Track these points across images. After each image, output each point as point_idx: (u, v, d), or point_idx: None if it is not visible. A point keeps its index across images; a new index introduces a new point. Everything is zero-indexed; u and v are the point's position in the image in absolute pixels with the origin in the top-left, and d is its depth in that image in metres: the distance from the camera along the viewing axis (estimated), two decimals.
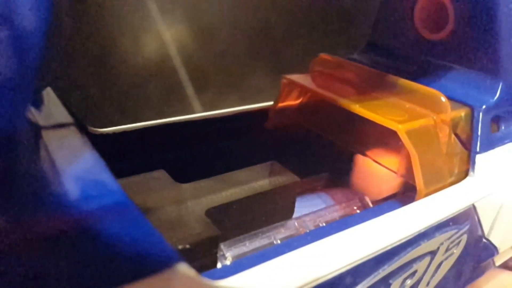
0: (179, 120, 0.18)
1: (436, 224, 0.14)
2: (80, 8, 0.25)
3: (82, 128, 0.12)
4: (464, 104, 0.16)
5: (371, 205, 0.16)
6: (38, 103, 0.11)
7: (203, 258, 0.12)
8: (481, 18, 0.17)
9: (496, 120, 0.17)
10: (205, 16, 0.30)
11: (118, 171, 0.09)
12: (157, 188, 0.13)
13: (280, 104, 0.20)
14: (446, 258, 0.15)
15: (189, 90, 0.30)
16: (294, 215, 0.15)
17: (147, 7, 0.28)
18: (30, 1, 0.07)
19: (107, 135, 0.16)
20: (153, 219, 0.12)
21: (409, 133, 0.14)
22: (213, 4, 0.30)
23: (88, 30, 0.25)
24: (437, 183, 0.15)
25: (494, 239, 0.17)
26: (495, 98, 0.17)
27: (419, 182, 0.14)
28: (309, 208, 0.15)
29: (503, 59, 0.17)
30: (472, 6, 0.17)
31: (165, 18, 0.28)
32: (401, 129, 0.14)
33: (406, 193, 0.15)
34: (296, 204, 0.15)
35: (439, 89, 0.16)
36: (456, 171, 0.16)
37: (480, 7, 0.17)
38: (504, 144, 0.17)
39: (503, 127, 0.17)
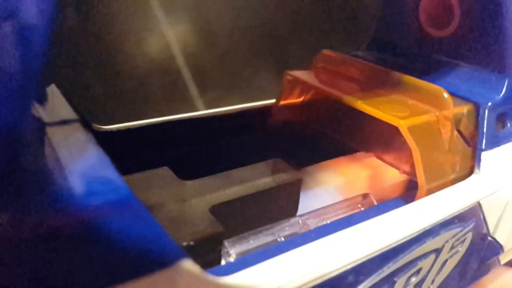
0: (183, 117, 0.18)
1: (441, 221, 0.14)
2: (85, 7, 0.25)
3: (86, 125, 0.12)
4: (470, 101, 0.16)
5: (375, 202, 0.16)
6: (42, 99, 0.12)
7: (207, 255, 0.12)
8: (486, 14, 0.16)
9: (502, 117, 0.17)
10: (208, 15, 0.30)
11: (122, 168, 0.09)
12: (161, 185, 0.13)
13: (283, 101, 0.20)
14: (451, 256, 0.15)
15: (192, 88, 0.30)
16: (300, 209, 0.15)
17: (151, 6, 0.28)
18: None
19: (111, 132, 0.16)
20: (157, 216, 0.12)
21: (410, 129, 0.14)
22: (216, 3, 0.30)
23: (93, 28, 0.25)
24: (439, 179, 0.15)
25: (500, 237, 0.17)
26: (501, 95, 0.16)
27: (421, 178, 0.14)
28: (314, 202, 0.15)
29: (509, 55, 0.16)
30: (478, 2, 0.17)
31: (169, 17, 0.28)
32: (402, 125, 0.14)
33: (411, 191, 0.15)
34: (301, 198, 0.15)
35: (444, 86, 0.16)
36: (458, 167, 0.15)
37: (486, 3, 0.16)
38: (510, 141, 0.17)
39: (509, 125, 0.17)
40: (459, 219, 0.14)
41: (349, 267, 0.11)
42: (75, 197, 0.08)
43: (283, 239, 0.13)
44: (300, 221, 0.14)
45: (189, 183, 0.14)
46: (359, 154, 0.18)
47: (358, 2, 0.34)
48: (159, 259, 0.08)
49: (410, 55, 0.19)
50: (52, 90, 0.13)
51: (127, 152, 0.16)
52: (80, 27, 0.25)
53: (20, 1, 0.07)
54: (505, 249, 0.17)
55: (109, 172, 0.09)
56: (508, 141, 0.17)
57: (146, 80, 0.28)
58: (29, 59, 0.07)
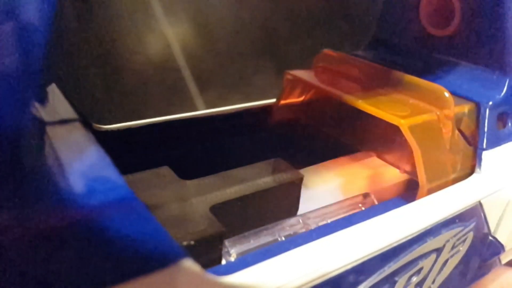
0: (183, 117, 0.18)
1: (442, 221, 0.14)
2: (85, 6, 0.25)
3: (86, 124, 0.12)
4: (471, 100, 0.16)
5: (376, 202, 0.16)
6: (43, 99, 0.12)
7: (208, 255, 0.11)
8: (487, 13, 0.16)
9: (503, 116, 0.17)
10: (209, 14, 0.30)
11: (123, 168, 0.09)
12: (161, 185, 0.13)
13: (283, 101, 0.20)
14: (452, 256, 0.15)
15: (193, 88, 0.30)
16: (300, 208, 0.15)
17: (151, 6, 0.28)
18: None
19: (111, 132, 0.16)
20: (158, 216, 0.12)
21: (411, 129, 0.14)
22: (216, 3, 0.30)
23: (93, 28, 0.25)
24: (440, 179, 0.15)
25: (501, 236, 0.17)
26: (502, 94, 0.16)
27: (422, 177, 0.14)
28: (315, 201, 0.15)
29: (510, 55, 0.16)
30: (479, 1, 0.17)
31: (169, 17, 0.28)
32: (403, 124, 0.14)
33: (412, 191, 0.15)
34: (301, 198, 0.15)
35: (445, 85, 0.16)
36: (459, 167, 0.15)
37: (486, 2, 0.16)
38: (511, 141, 0.17)
39: (509, 124, 0.17)
40: (460, 218, 0.14)
41: (349, 266, 0.11)
42: (75, 196, 0.08)
43: (283, 238, 0.13)
44: (300, 221, 0.14)
45: (189, 182, 0.14)
46: (359, 154, 0.18)
47: (358, 2, 0.34)
48: (160, 259, 0.08)
49: (411, 54, 0.19)
50: (52, 90, 0.13)
51: (127, 152, 0.16)
52: (80, 27, 0.25)
53: (20, 1, 0.07)
54: (506, 248, 0.17)
55: (110, 171, 0.09)
56: (509, 141, 0.17)
57: (146, 80, 0.28)
58: (29, 59, 0.07)
